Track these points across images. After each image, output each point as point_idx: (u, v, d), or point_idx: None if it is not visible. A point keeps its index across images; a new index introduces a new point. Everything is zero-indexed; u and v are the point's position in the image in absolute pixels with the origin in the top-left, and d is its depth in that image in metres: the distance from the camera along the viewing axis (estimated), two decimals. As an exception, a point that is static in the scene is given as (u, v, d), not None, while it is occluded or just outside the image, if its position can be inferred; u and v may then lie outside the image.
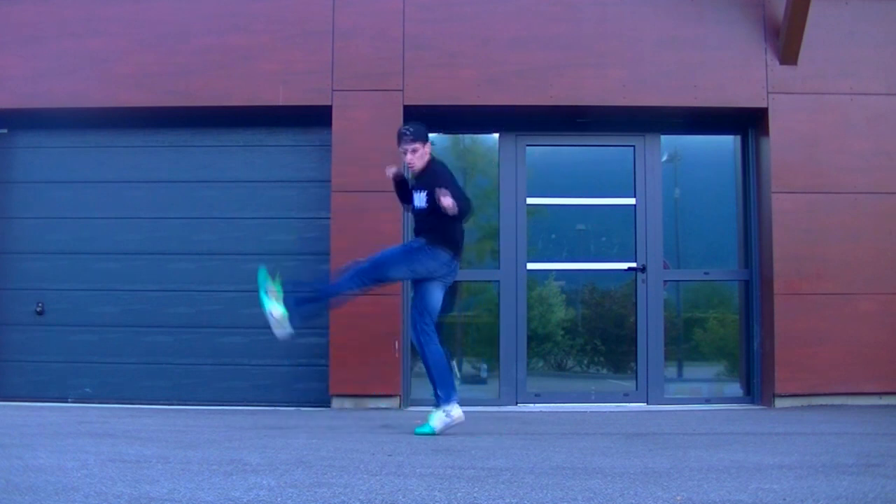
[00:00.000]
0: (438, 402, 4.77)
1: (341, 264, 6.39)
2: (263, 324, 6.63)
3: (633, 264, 6.81)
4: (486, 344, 6.98)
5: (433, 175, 4.88)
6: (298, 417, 5.86)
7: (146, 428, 4.99)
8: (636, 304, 6.81)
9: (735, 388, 6.94)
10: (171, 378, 6.72)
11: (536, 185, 6.89)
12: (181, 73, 6.62)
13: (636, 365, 6.79)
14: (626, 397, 6.79)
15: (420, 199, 4.89)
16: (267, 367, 6.71)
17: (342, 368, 6.37)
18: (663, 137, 6.95)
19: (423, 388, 6.81)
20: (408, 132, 4.93)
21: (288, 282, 5.03)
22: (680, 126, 6.97)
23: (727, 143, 7.10)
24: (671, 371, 6.97)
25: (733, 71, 6.62)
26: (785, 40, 6.50)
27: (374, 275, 4.91)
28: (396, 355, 6.40)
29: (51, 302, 6.81)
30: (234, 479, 3.10)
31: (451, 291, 5.53)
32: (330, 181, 6.54)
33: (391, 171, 5.02)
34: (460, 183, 5.16)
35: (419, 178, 4.97)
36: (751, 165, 6.84)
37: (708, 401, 6.84)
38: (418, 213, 4.95)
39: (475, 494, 2.83)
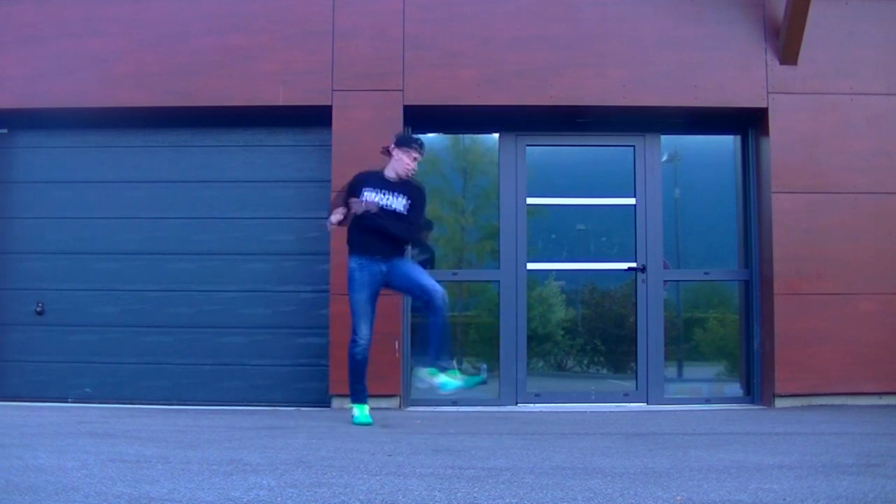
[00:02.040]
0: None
1: (341, 265, 6.43)
2: (263, 324, 6.72)
3: (633, 264, 6.81)
4: (486, 344, 6.98)
5: (413, 188, 5.43)
6: (298, 417, 5.86)
7: (146, 428, 4.99)
8: (636, 304, 6.81)
9: (735, 388, 6.94)
10: (171, 378, 6.72)
11: (536, 185, 6.89)
12: (181, 73, 6.62)
13: (636, 365, 6.79)
14: (626, 397, 6.79)
15: (399, 203, 5.33)
16: (267, 367, 6.71)
17: (342, 368, 6.33)
18: (663, 137, 6.95)
19: (423, 389, 6.81)
20: (421, 142, 5.43)
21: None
22: (680, 126, 6.97)
23: (727, 143, 7.10)
24: (671, 371, 6.97)
25: (733, 71, 6.62)
26: (785, 40, 6.50)
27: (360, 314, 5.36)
28: (396, 355, 6.40)
29: (51, 302, 6.81)
30: (234, 479, 3.10)
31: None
32: (330, 181, 6.54)
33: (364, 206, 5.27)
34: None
35: (398, 184, 5.38)
36: (751, 165, 6.84)
37: (708, 401, 6.84)
38: (383, 217, 5.30)
39: (475, 494, 2.83)
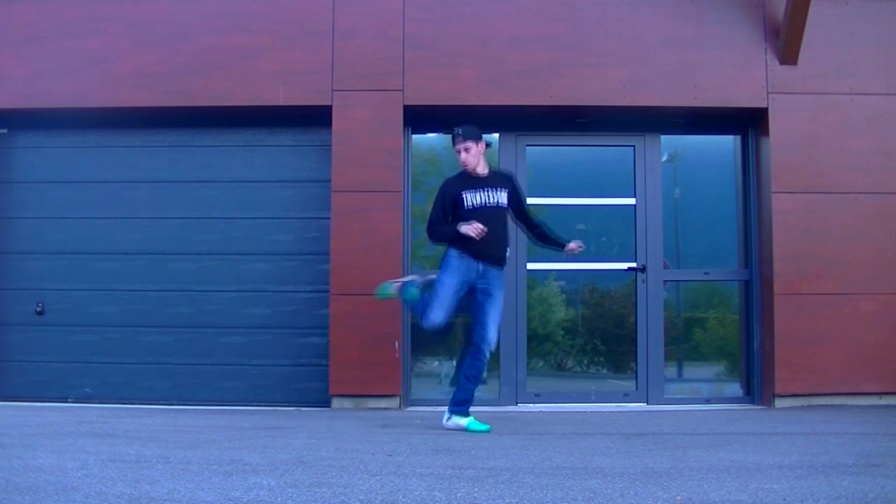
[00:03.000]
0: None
1: (341, 265, 6.43)
2: (263, 324, 6.72)
3: (633, 264, 6.81)
4: (486, 344, 6.96)
5: (505, 177, 5.28)
6: (298, 417, 5.86)
7: (146, 428, 4.99)
8: (636, 304, 6.81)
9: (735, 388, 6.94)
10: (171, 378, 6.72)
11: (536, 185, 6.89)
12: (181, 73, 6.62)
13: (636, 365, 6.79)
14: (626, 397, 6.79)
15: (500, 197, 5.14)
16: (267, 367, 6.71)
17: (342, 368, 6.37)
18: (663, 137, 6.95)
19: (423, 389, 6.82)
20: (459, 132, 5.10)
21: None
22: (680, 126, 6.97)
23: (727, 143, 7.10)
24: (671, 371, 6.97)
25: (733, 71, 6.62)
26: (785, 40, 6.50)
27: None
28: (396, 355, 6.40)
29: (51, 302, 6.81)
30: (234, 479, 3.10)
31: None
32: (330, 181, 6.54)
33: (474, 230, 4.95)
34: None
35: (488, 179, 5.13)
36: (751, 165, 6.84)
37: (708, 401, 6.84)
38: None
39: (475, 494, 2.83)
